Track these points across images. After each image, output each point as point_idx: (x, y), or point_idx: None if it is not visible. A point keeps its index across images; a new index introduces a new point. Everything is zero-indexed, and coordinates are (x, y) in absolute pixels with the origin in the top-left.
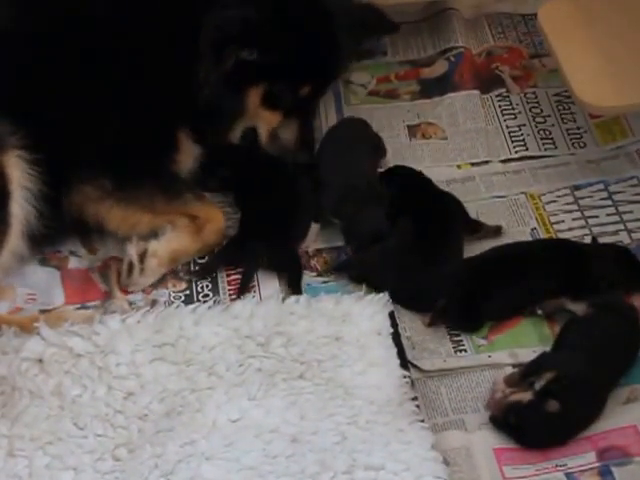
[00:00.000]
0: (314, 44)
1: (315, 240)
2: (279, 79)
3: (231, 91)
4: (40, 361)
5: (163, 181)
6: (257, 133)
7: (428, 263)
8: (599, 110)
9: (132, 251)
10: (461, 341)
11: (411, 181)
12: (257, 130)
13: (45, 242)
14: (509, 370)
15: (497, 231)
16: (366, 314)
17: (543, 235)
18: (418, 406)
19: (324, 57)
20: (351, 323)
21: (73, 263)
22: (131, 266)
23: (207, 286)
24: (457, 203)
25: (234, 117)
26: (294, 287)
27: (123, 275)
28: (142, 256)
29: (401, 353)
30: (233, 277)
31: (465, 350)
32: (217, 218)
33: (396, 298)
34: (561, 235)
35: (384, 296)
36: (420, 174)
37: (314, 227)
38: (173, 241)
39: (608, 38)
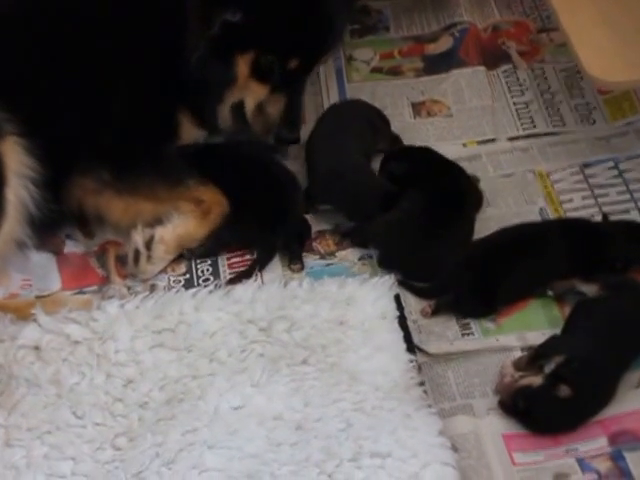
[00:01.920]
0: (302, 11)
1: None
2: (267, 48)
3: (219, 58)
4: (37, 349)
5: (164, 168)
6: (244, 107)
7: (435, 244)
8: (609, 85)
9: (138, 238)
10: (468, 324)
11: (421, 160)
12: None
13: (43, 228)
14: (518, 353)
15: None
16: (371, 297)
17: (552, 214)
18: (425, 391)
19: (314, 28)
20: (356, 307)
21: (70, 247)
22: (137, 254)
23: (207, 270)
24: (471, 180)
25: (224, 86)
26: (295, 254)
27: (130, 263)
28: (148, 243)
29: (407, 337)
30: (234, 260)
31: (473, 333)
32: (222, 202)
33: (401, 282)
34: (571, 214)
35: (389, 279)
36: (429, 150)
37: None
38: (179, 227)
39: (617, 12)
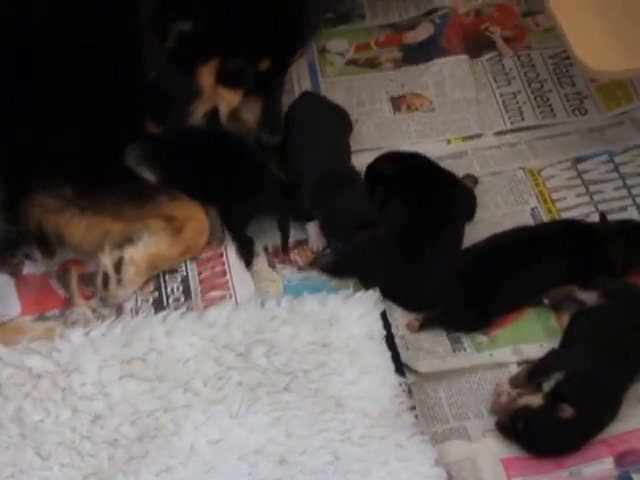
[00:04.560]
0: (265, 6)
1: (321, 240)
2: (231, 53)
3: (180, 71)
4: None
5: (131, 183)
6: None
7: (421, 255)
8: (603, 75)
9: (106, 261)
10: (459, 338)
11: (411, 166)
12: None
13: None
14: (514, 368)
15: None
16: (355, 315)
17: (544, 214)
18: (417, 416)
19: (283, 22)
20: (339, 326)
21: (28, 268)
22: (106, 277)
23: (178, 288)
24: (466, 189)
25: (188, 101)
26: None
27: (99, 288)
28: (118, 266)
29: (396, 357)
30: (204, 275)
31: (464, 348)
32: (198, 217)
33: (386, 294)
34: (565, 213)
35: (374, 293)
36: (419, 156)
37: (312, 225)
38: (151, 246)
39: None
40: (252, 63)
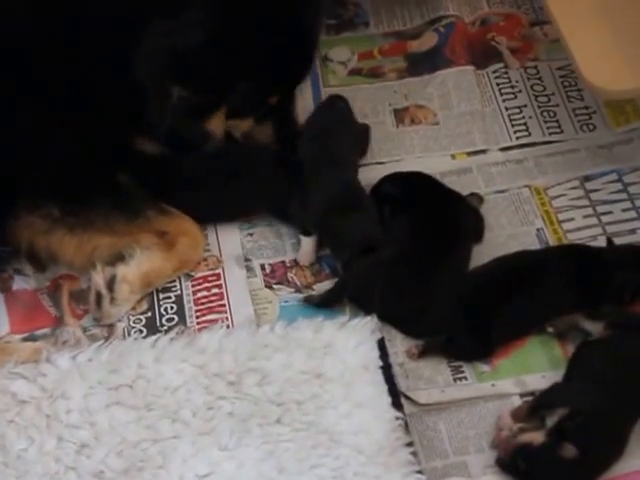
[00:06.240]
0: (270, 51)
1: (311, 257)
2: (237, 101)
3: (188, 122)
4: None
5: (119, 198)
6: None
7: (426, 278)
8: (612, 94)
9: (98, 279)
10: (460, 367)
11: (415, 187)
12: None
13: None
14: (516, 400)
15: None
16: (351, 344)
17: (550, 236)
18: (414, 453)
19: (286, 61)
20: (334, 356)
21: (19, 283)
22: (99, 296)
23: (171, 307)
24: (474, 211)
25: (200, 142)
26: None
27: (92, 307)
28: (110, 284)
29: (393, 390)
30: (200, 295)
31: (466, 378)
32: (191, 231)
33: (386, 318)
34: (571, 235)
35: (371, 320)
36: (423, 176)
37: (306, 241)
38: (144, 263)
39: (620, 5)
40: (262, 99)
